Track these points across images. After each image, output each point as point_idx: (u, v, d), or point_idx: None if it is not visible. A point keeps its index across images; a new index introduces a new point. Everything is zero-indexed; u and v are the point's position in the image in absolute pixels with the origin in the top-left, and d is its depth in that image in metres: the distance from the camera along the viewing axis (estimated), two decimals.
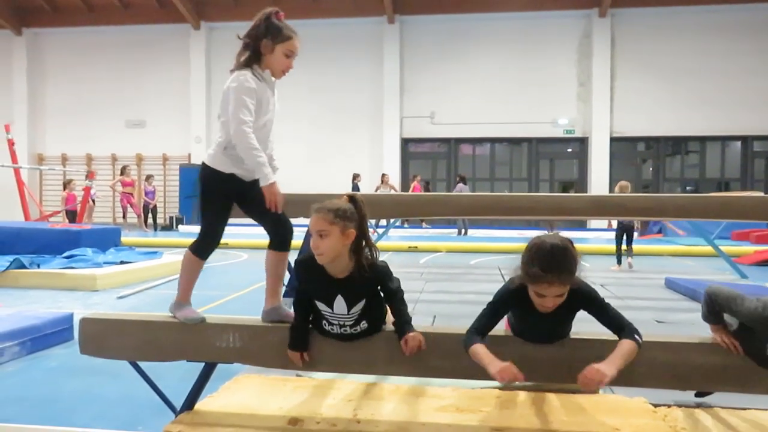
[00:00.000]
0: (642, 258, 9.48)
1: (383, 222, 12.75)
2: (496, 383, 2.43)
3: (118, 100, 18.34)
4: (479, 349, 2.05)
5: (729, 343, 2.10)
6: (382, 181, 14.91)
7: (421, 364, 2.31)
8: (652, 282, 6.75)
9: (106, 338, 2.51)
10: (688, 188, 17.85)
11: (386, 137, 17.77)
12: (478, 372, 2.27)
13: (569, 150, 18.11)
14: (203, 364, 2.51)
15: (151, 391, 2.57)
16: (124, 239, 9.73)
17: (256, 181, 2.41)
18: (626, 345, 2.01)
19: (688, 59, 16.66)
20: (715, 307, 2.17)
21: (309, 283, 2.26)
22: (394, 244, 11.21)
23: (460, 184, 13.99)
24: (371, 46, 17.76)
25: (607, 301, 2.13)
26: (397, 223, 14.84)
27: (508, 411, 2.56)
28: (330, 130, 17.88)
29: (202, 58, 18.03)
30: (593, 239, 11.79)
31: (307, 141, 17.84)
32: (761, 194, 7.33)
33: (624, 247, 8.32)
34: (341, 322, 2.25)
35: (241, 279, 7.26)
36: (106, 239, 8.58)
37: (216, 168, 2.44)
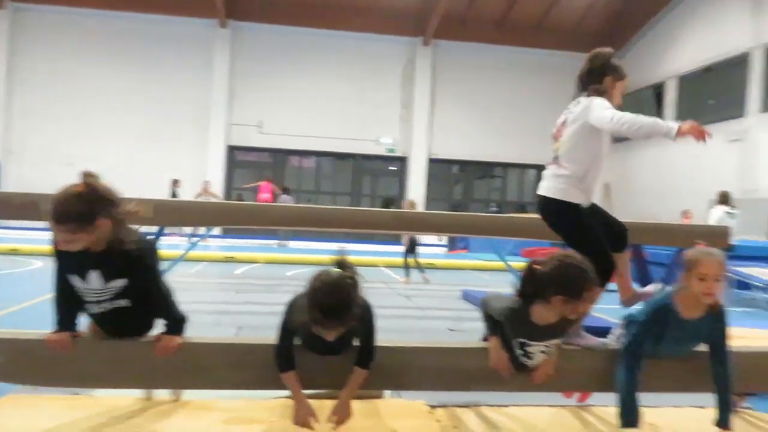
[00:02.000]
0: (447, 272, 10.23)
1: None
2: (286, 393, 2.48)
3: None
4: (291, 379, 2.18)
5: (495, 357, 2.30)
6: (203, 189, 14.34)
7: (207, 375, 2.27)
8: (451, 294, 7.32)
9: None
10: (492, 209, 19.64)
11: (212, 144, 17.21)
12: (267, 382, 2.31)
13: (391, 168, 19.00)
14: None
15: None
16: None
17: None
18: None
19: (498, 93, 18.43)
20: (485, 316, 2.39)
21: (64, 258, 2.07)
22: (211, 254, 10.86)
23: (284, 195, 13.97)
24: (201, 48, 17.12)
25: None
26: (217, 233, 14.40)
27: (285, 421, 2.61)
28: (154, 130, 16.84)
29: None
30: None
31: (129, 141, 16.62)
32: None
33: (412, 261, 8.53)
34: (98, 298, 2.11)
35: (28, 289, 6.51)
36: None
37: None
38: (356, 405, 2.78)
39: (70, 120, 16.54)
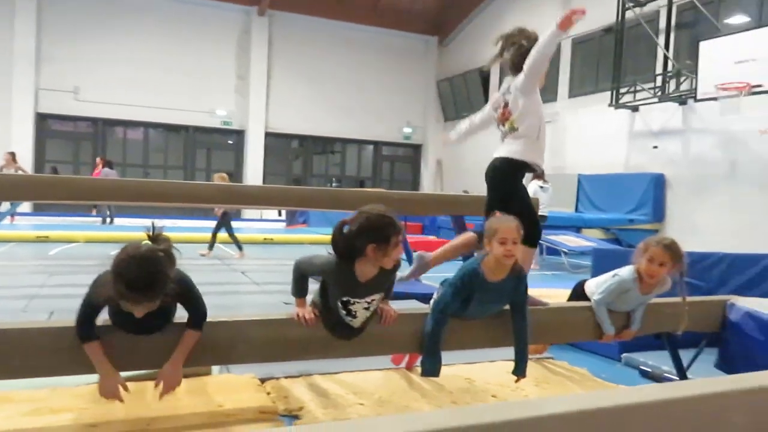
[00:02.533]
0: (285, 246, 10.16)
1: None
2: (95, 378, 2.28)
3: None
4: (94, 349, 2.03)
5: (302, 317, 2.33)
6: (6, 161, 12.64)
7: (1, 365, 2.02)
8: (288, 268, 7.28)
9: None
10: (333, 184, 19.83)
11: (16, 110, 15.22)
12: (72, 368, 2.10)
13: (228, 141, 18.32)
14: None
15: None
16: None
17: None
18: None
19: (336, 68, 18.45)
20: (298, 277, 2.38)
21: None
22: (21, 234, 9.71)
23: (106, 168, 12.86)
24: None
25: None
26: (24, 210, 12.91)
27: (108, 405, 2.43)
28: None
29: None
30: (246, 229, 12.11)
31: None
32: (383, 190, 8.57)
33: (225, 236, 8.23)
34: None
35: None
36: None
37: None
38: (184, 383, 2.66)
39: None
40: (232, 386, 2.75)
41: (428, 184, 19.56)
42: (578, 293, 3.03)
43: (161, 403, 2.42)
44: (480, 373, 3.26)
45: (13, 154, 12.20)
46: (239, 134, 17.89)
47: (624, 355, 3.70)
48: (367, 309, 2.32)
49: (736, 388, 1.73)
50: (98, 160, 13.73)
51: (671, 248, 2.66)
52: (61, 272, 6.42)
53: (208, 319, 2.26)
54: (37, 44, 15.32)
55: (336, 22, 18.15)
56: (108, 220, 12.95)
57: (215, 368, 2.95)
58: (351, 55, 18.62)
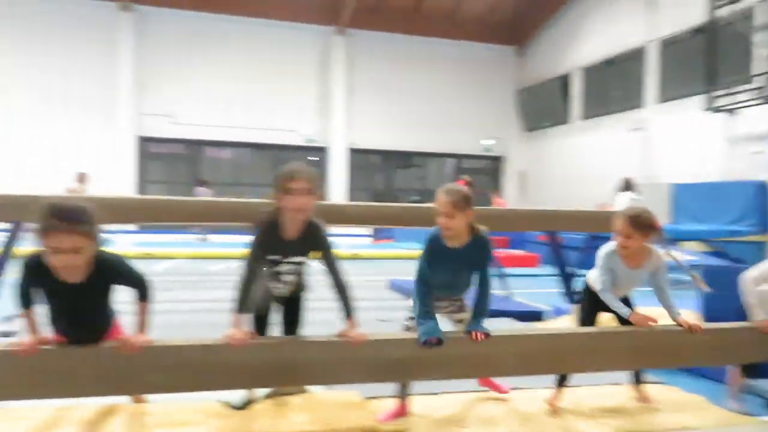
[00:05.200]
0: (372, 262, 10.31)
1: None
2: (219, 395, 2.44)
3: None
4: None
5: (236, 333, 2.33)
6: (79, 181, 13.10)
7: (133, 381, 2.20)
8: (378, 284, 7.39)
9: None
10: (412, 197, 19.93)
11: (120, 135, 16.38)
12: (194, 383, 2.26)
13: (311, 158, 18.85)
14: None
15: None
16: None
17: None
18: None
19: (415, 83, 18.63)
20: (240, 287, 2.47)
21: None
22: (127, 252, 10.40)
23: (201, 188, 13.56)
24: (103, 33, 16.16)
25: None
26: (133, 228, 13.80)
27: (228, 419, 2.58)
28: (52, 121, 15.80)
29: None
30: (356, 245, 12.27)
31: (21, 131, 15.52)
32: None
33: None
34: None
35: None
36: None
37: None
38: (291, 400, 2.78)
39: None
40: (339, 404, 2.84)
41: (511, 197, 19.28)
42: (585, 290, 3.03)
43: (269, 420, 2.55)
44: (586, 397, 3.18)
45: (83, 175, 12.56)
46: (322, 151, 18.38)
47: (744, 381, 3.42)
48: (292, 274, 2.48)
49: None
50: (199, 180, 14.46)
51: (635, 220, 2.70)
52: (167, 288, 6.82)
53: (313, 339, 2.37)
54: (138, 73, 16.43)
55: (413, 38, 18.36)
56: (204, 237, 13.62)
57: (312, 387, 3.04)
58: (429, 69, 18.75)
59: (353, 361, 2.40)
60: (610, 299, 2.79)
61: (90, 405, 2.60)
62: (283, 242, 2.43)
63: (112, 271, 2.14)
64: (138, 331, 2.17)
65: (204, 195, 13.12)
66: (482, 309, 2.58)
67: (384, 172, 19.83)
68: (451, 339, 2.48)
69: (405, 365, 2.47)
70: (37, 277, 2.03)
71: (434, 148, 19.15)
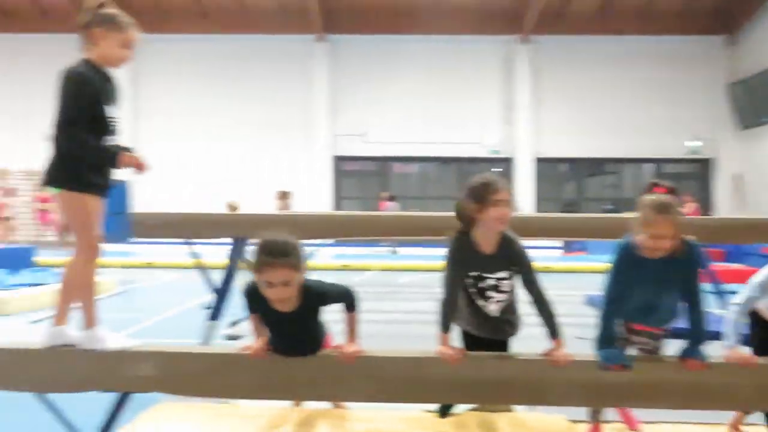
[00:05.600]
0: (563, 275, 9.84)
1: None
2: (421, 406, 2.46)
3: (33, 110, 17.18)
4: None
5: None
6: (279, 198, 14.21)
7: (345, 388, 2.30)
8: (572, 299, 7.00)
9: (10, 369, 2.36)
10: (605, 207, 18.71)
11: (318, 155, 17.73)
12: (403, 395, 2.30)
13: (495, 170, 18.66)
14: (118, 394, 2.40)
15: (59, 423, 2.43)
16: (41, 259, 9.23)
17: None
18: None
19: (603, 86, 17.55)
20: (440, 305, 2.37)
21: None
22: (326, 264, 11.16)
23: (390, 203, 14.12)
24: (300, 63, 17.73)
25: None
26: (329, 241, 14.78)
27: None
28: (258, 148, 17.65)
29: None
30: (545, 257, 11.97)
31: (237, 157, 17.54)
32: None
33: None
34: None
35: (164, 300, 7.01)
36: (18, 259, 8.11)
37: None
38: (496, 417, 2.71)
39: (187, 139, 17.65)
40: (543, 427, 2.71)
41: (724, 204, 17.18)
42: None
43: None
44: None
45: (286, 193, 13.58)
46: (507, 162, 18.10)
47: None
48: (499, 291, 2.30)
49: None
50: (384, 194, 15.15)
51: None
52: (363, 299, 7.16)
53: (520, 357, 2.28)
54: (332, 96, 17.70)
55: (601, 38, 17.33)
56: (394, 249, 14.14)
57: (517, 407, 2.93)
58: (621, 69, 17.52)
59: (560, 382, 2.26)
60: None
61: (303, 408, 2.78)
62: (480, 257, 2.35)
63: (320, 296, 2.28)
64: (349, 340, 2.27)
65: (392, 209, 13.64)
66: (699, 332, 2.25)
67: (573, 181, 18.92)
68: (667, 362, 2.23)
69: (615, 390, 2.27)
70: (255, 304, 2.26)
71: (629, 153, 17.80)
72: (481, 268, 2.35)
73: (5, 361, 2.35)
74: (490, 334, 2.43)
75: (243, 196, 16.29)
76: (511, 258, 2.36)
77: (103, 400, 2.43)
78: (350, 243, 15.42)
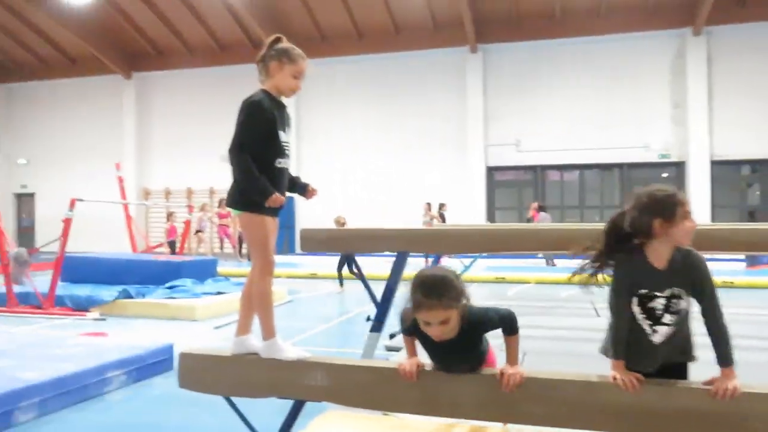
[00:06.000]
0: (747, 291, 8.82)
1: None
2: None
3: (214, 135, 19.17)
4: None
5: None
6: (428, 210, 14.71)
7: (511, 409, 2.25)
8: (760, 318, 6.24)
9: (202, 373, 2.63)
10: None
11: (471, 166, 17.67)
12: (578, 419, 2.19)
13: (664, 175, 17.24)
14: (293, 400, 2.57)
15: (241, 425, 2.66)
16: (220, 270, 10.20)
17: None
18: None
19: None
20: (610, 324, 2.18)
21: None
22: (480, 276, 11.06)
23: (542, 213, 13.63)
24: (454, 76, 17.82)
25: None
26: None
27: None
28: (413, 161, 18.03)
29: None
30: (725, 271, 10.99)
31: (388, 172, 18.10)
32: None
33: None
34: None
35: (328, 310, 7.39)
36: (205, 270, 9.04)
37: None
38: None
39: (345, 157, 18.55)
40: None
41: None
42: None
43: None
44: None
45: (429, 205, 14.22)
46: (677, 166, 16.66)
47: None
48: (670, 313, 2.06)
49: None
50: (534, 204, 14.67)
51: None
52: (522, 313, 6.98)
53: (693, 387, 2.07)
54: (485, 107, 17.57)
55: None
56: (550, 262, 13.64)
57: None
58: None
59: (724, 416, 2.01)
60: None
61: (465, 424, 2.78)
62: (653, 272, 2.14)
63: (482, 325, 2.23)
64: (510, 363, 2.22)
65: (544, 220, 13.16)
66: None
67: (757, 186, 16.88)
68: None
69: None
70: (412, 329, 2.26)
71: None
72: (651, 286, 2.14)
73: (200, 367, 2.62)
74: (648, 368, 2.16)
75: (401, 209, 16.90)
76: (687, 273, 2.14)
77: (270, 406, 2.62)
78: (502, 254, 15.18)
